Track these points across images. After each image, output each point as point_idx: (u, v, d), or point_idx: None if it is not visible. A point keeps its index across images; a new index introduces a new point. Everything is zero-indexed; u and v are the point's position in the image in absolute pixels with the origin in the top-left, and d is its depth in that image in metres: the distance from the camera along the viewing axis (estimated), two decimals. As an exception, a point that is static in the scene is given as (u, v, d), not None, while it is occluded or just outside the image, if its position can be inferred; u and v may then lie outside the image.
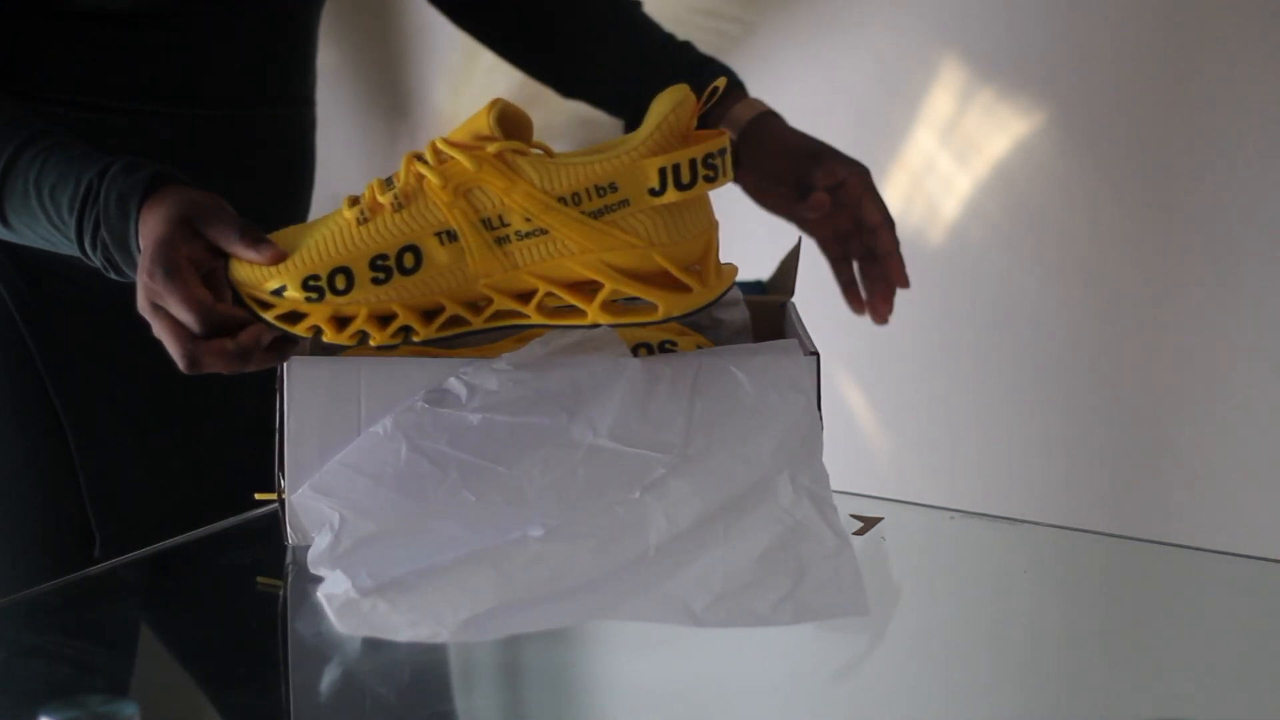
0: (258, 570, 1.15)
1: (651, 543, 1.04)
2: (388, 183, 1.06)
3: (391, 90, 1.94)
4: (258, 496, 1.15)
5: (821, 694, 1.01)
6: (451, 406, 1.08)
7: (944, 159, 1.69)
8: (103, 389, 1.30)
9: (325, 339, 1.06)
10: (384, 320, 1.06)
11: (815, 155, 1.30)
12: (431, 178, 1.05)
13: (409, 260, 1.05)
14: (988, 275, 1.69)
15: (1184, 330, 1.61)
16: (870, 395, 1.77)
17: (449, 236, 1.05)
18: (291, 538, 1.09)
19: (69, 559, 1.28)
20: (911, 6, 1.69)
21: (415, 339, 1.07)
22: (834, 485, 1.09)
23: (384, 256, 1.05)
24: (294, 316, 1.05)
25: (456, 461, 1.07)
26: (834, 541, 1.05)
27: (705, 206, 1.09)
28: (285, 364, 1.08)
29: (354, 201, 1.06)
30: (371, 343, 1.06)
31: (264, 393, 1.11)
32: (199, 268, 1.05)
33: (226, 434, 1.35)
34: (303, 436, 1.08)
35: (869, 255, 1.31)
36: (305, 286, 1.04)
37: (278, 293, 1.05)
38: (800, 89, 1.74)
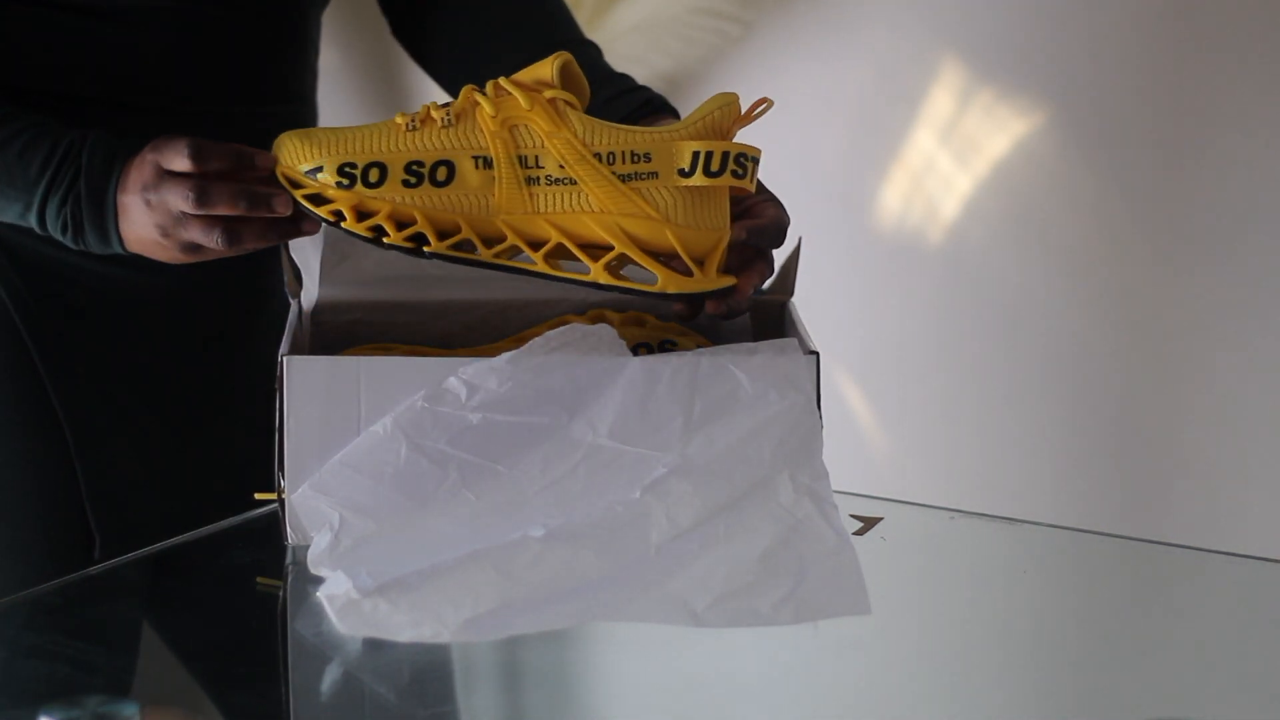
0: (258, 570, 1.15)
1: (652, 542, 1.04)
2: (443, 106, 1.11)
3: (391, 90, 1.94)
4: (258, 496, 1.15)
5: (821, 693, 1.01)
6: (451, 406, 1.08)
7: (944, 159, 1.69)
8: (103, 391, 1.30)
9: (344, 225, 1.09)
10: (401, 225, 1.10)
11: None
12: (485, 105, 1.10)
13: (441, 173, 1.10)
14: (988, 275, 1.69)
15: (1184, 330, 1.61)
16: (870, 395, 1.77)
17: (484, 163, 1.10)
18: (291, 538, 1.09)
19: (69, 561, 1.28)
20: (911, 6, 1.69)
21: (426, 249, 1.10)
22: (834, 485, 1.09)
23: (419, 163, 1.10)
24: (319, 199, 1.10)
25: (456, 461, 1.07)
26: (835, 540, 1.05)
27: (724, 208, 1.13)
28: (285, 364, 1.08)
29: (406, 114, 1.12)
30: (385, 240, 1.10)
31: (264, 394, 1.11)
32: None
33: (226, 436, 1.35)
34: (303, 436, 1.08)
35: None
36: (340, 171, 1.09)
37: (312, 173, 1.10)
38: (800, 89, 1.74)
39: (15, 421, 1.29)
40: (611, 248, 1.11)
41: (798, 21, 1.73)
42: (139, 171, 1.12)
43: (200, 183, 1.09)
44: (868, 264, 1.75)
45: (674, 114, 1.29)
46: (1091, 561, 1.23)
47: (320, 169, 1.09)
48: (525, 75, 1.12)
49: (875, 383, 1.77)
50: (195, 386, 1.34)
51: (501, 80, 1.11)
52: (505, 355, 1.10)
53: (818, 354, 1.12)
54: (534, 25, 1.37)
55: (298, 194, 1.10)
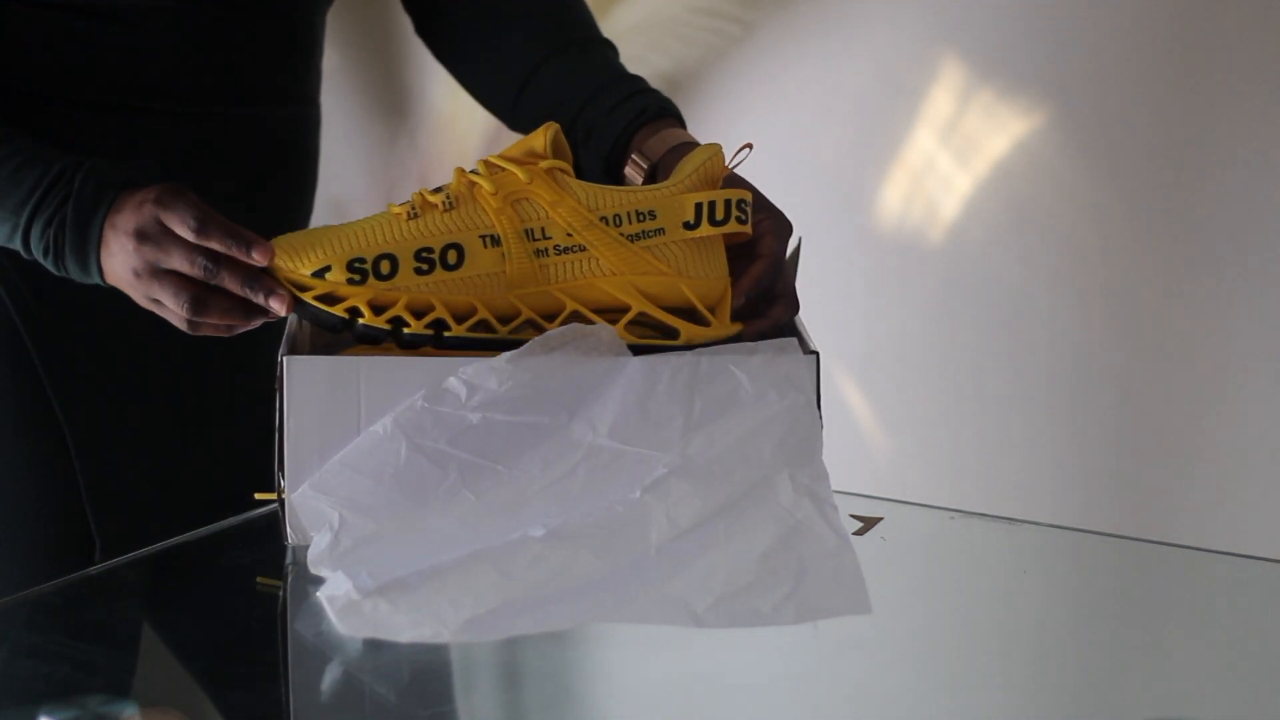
0: (258, 570, 1.14)
1: (652, 543, 1.04)
2: (436, 190, 1.11)
3: (391, 90, 1.94)
4: (258, 496, 1.15)
5: (821, 694, 1.01)
6: (451, 405, 1.08)
7: (944, 159, 1.69)
8: (103, 392, 1.30)
9: (363, 321, 1.09)
10: (418, 313, 1.10)
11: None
12: (484, 184, 1.10)
13: (452, 256, 1.10)
14: (988, 275, 1.69)
15: (1184, 330, 1.61)
16: (870, 395, 1.77)
17: (492, 241, 1.10)
18: (291, 537, 1.09)
19: (69, 562, 1.28)
20: (911, 6, 1.69)
21: (446, 334, 1.10)
22: (834, 485, 1.09)
23: (429, 249, 1.09)
24: (332, 299, 1.09)
25: (456, 461, 1.07)
26: (835, 540, 1.05)
27: (723, 256, 1.15)
28: (285, 364, 1.08)
29: (398, 205, 1.11)
30: (406, 330, 1.09)
31: (265, 395, 1.11)
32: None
33: (227, 437, 1.35)
34: (303, 436, 1.08)
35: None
36: (350, 268, 1.08)
37: (319, 274, 1.08)
38: (800, 89, 1.74)
39: (16, 423, 1.29)
40: (628, 308, 1.12)
41: (798, 21, 1.73)
42: (136, 214, 1.11)
43: (210, 258, 1.09)
44: (868, 264, 1.75)
45: (678, 118, 1.28)
46: (1091, 561, 1.23)
47: (327, 269, 1.08)
48: (517, 149, 1.12)
49: (875, 383, 1.77)
50: (196, 388, 1.34)
51: (493, 158, 1.12)
52: (505, 355, 1.10)
53: (818, 354, 1.12)
54: (554, 21, 1.37)
55: (307, 296, 1.08)
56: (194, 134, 1.29)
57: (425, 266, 1.09)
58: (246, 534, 1.17)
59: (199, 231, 1.09)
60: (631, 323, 1.12)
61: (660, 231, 1.12)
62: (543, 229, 1.11)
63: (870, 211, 1.73)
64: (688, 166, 1.14)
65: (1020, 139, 1.65)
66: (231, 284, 1.09)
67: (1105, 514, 1.68)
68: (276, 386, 1.09)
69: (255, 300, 1.09)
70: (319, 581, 1.02)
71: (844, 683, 1.02)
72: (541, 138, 1.12)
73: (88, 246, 1.13)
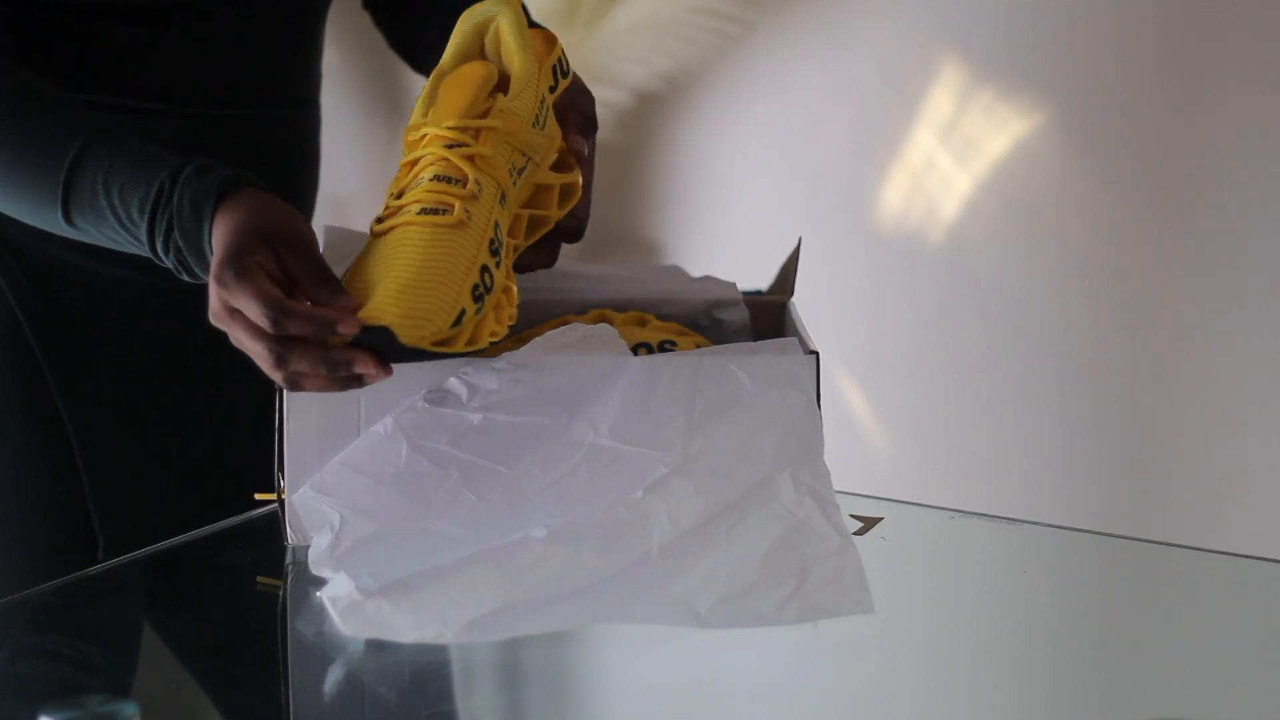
0: (258, 570, 1.14)
1: (654, 543, 1.04)
2: (450, 181, 1.08)
3: (391, 90, 1.94)
4: (258, 496, 1.15)
5: (821, 694, 1.01)
6: (452, 406, 1.08)
7: (944, 159, 1.69)
8: (106, 391, 1.30)
9: (511, 325, 1.09)
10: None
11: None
12: (483, 150, 1.10)
13: (501, 232, 1.11)
14: (988, 275, 1.69)
15: (1184, 330, 1.61)
16: (870, 395, 1.77)
17: (503, 196, 1.11)
18: (291, 538, 1.09)
19: (72, 561, 1.28)
20: (911, 6, 1.69)
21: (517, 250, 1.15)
22: (834, 485, 1.09)
23: (493, 239, 1.09)
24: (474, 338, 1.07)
25: (457, 461, 1.07)
26: (837, 540, 1.05)
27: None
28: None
29: (431, 220, 1.07)
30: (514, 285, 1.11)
31: (268, 394, 1.11)
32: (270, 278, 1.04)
33: (231, 437, 1.35)
34: (303, 436, 1.08)
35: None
36: (474, 298, 1.06)
37: (458, 322, 1.04)
38: (800, 89, 1.74)
39: (19, 421, 1.29)
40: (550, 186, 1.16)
41: (798, 21, 1.73)
42: (217, 284, 1.04)
43: (276, 350, 1.01)
44: (868, 264, 1.75)
45: None
46: (1091, 561, 1.23)
47: (462, 313, 1.05)
48: (448, 113, 1.11)
49: (875, 383, 1.77)
50: (199, 387, 1.34)
51: (454, 125, 1.10)
52: (505, 356, 1.10)
53: (818, 354, 1.12)
54: None
55: (457, 347, 1.05)
56: (196, 135, 1.29)
57: (499, 251, 1.09)
58: (246, 534, 1.17)
59: (275, 323, 1.01)
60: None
61: (544, 104, 1.15)
62: (522, 161, 1.12)
63: (870, 211, 1.73)
64: (511, 39, 1.14)
65: (1020, 139, 1.65)
66: (303, 359, 1.02)
67: (1105, 514, 1.68)
68: (277, 387, 1.09)
69: (340, 376, 1.02)
70: (319, 581, 1.02)
71: (844, 683, 1.02)
72: (472, 84, 1.12)
73: (207, 261, 1.08)
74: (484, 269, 1.07)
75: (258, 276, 1.02)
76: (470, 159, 1.09)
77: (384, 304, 1.02)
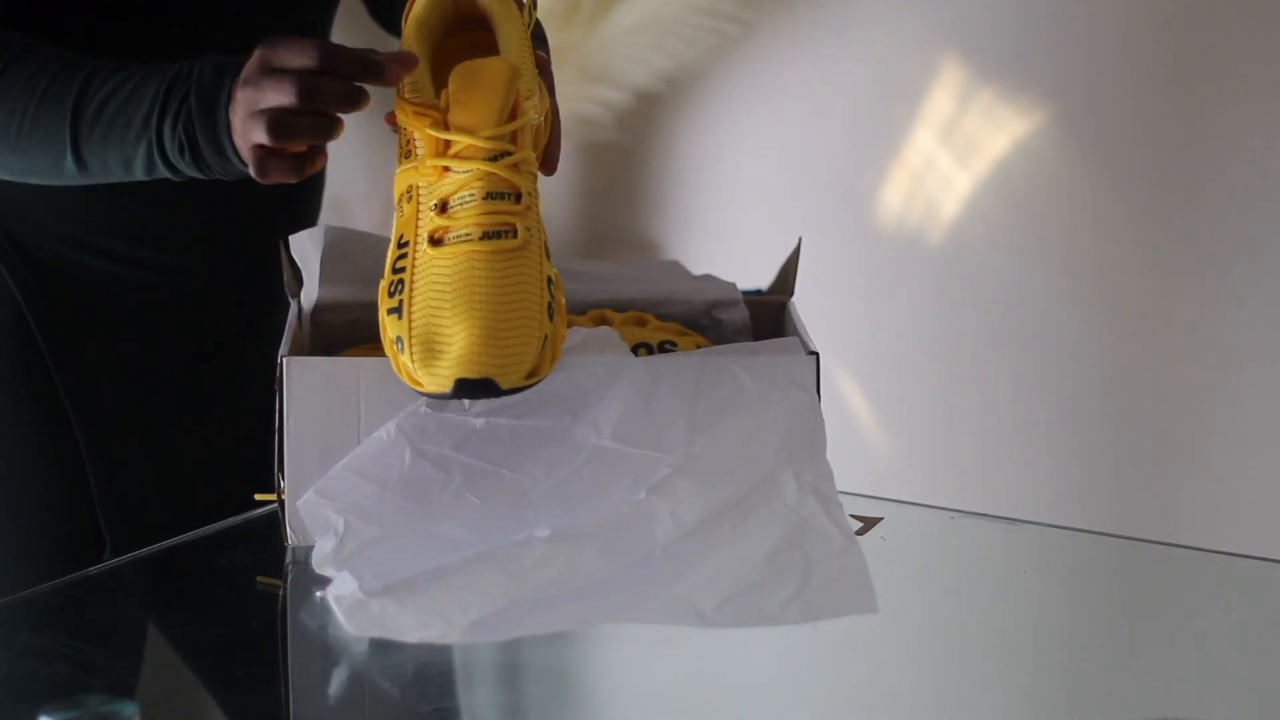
0: (258, 570, 1.14)
1: (658, 543, 1.03)
2: (500, 199, 1.06)
3: (391, 90, 1.94)
4: (258, 497, 1.15)
5: (822, 693, 1.01)
6: (454, 411, 1.08)
7: (944, 159, 1.69)
8: (114, 393, 1.30)
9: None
10: None
11: None
12: (523, 153, 1.06)
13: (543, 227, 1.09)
14: (988, 275, 1.69)
15: (1184, 329, 1.61)
16: (870, 395, 1.77)
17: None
18: (291, 538, 1.09)
19: (79, 562, 1.27)
20: (911, 6, 1.69)
21: None
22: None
23: (545, 242, 1.07)
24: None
25: (460, 465, 1.07)
26: (841, 539, 1.04)
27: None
28: (284, 364, 1.08)
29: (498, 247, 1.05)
30: None
31: (273, 394, 1.11)
32: None
33: (237, 438, 1.35)
34: (302, 437, 1.08)
35: None
36: (549, 317, 1.04)
37: (541, 349, 1.04)
38: (800, 89, 1.74)
39: (26, 422, 1.28)
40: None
41: (798, 21, 1.73)
42: (246, 69, 1.07)
43: (310, 84, 1.04)
44: (868, 264, 1.75)
45: None
46: (1091, 561, 1.23)
47: (545, 339, 1.03)
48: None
49: (875, 383, 1.77)
50: (206, 389, 1.34)
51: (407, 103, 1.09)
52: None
53: (818, 354, 1.12)
54: None
55: (544, 373, 1.04)
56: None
57: (548, 248, 1.08)
58: (246, 534, 1.17)
59: (323, 59, 1.04)
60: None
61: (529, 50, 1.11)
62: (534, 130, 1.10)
63: (870, 211, 1.73)
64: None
65: (1020, 139, 1.65)
66: (336, 85, 1.04)
67: (1105, 514, 1.68)
68: (276, 387, 1.09)
69: (372, 78, 1.05)
70: (319, 581, 1.02)
71: (844, 682, 1.02)
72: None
73: (217, 128, 1.09)
74: (548, 281, 1.05)
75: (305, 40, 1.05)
76: (515, 167, 1.06)
77: (478, 353, 1.00)
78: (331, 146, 1.48)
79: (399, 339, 1.03)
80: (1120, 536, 1.25)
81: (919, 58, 1.68)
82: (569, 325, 1.13)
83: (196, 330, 1.33)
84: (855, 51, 1.71)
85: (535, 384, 1.03)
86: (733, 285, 1.27)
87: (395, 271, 1.06)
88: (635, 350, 1.14)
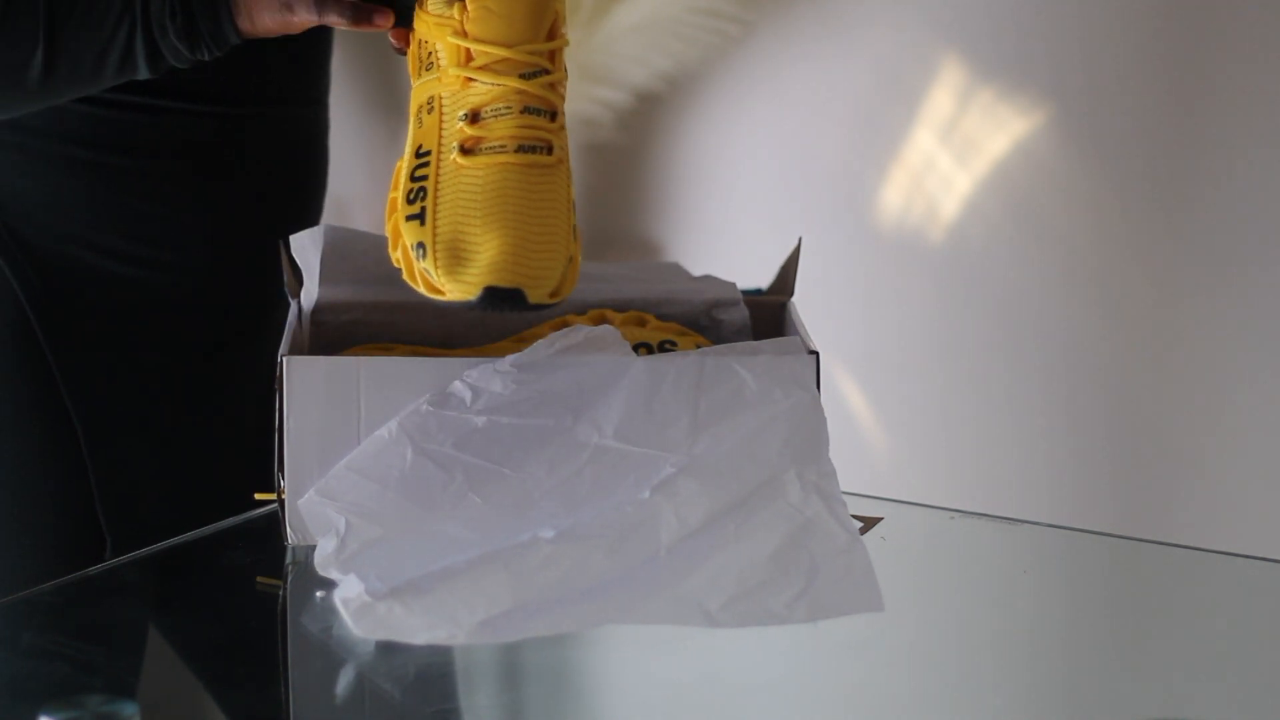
0: (258, 570, 1.14)
1: (663, 543, 1.03)
2: (537, 115, 1.04)
3: (391, 90, 1.94)
4: (258, 497, 1.15)
5: (821, 693, 1.01)
6: (456, 409, 1.08)
7: (944, 159, 1.69)
8: (115, 392, 1.30)
9: None
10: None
11: None
12: (559, 75, 1.05)
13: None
14: (988, 275, 1.69)
15: (1184, 330, 1.61)
16: (870, 395, 1.77)
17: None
18: (291, 538, 1.09)
19: (80, 562, 1.28)
20: (911, 6, 1.69)
21: None
22: (835, 484, 1.09)
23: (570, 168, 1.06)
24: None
25: (462, 465, 1.07)
26: (845, 538, 1.05)
27: None
28: (284, 364, 1.08)
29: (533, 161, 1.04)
30: None
31: (273, 393, 1.12)
32: None
33: (238, 438, 1.35)
34: (302, 436, 1.08)
35: None
36: (575, 238, 1.05)
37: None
38: (800, 89, 1.74)
39: (28, 421, 1.29)
40: None
41: (798, 21, 1.73)
42: None
43: None
44: (868, 264, 1.75)
45: None
46: (1091, 561, 1.23)
47: (570, 260, 1.04)
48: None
49: (875, 383, 1.77)
50: (207, 388, 1.34)
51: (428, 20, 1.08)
52: (509, 358, 1.10)
53: (818, 354, 1.12)
54: None
55: (563, 295, 1.04)
56: (216, 132, 1.29)
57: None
58: (246, 534, 1.17)
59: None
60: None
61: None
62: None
63: (870, 211, 1.73)
64: None
65: (1020, 139, 1.65)
66: None
67: (1105, 514, 1.68)
68: (276, 387, 1.09)
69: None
70: (320, 581, 1.02)
71: (844, 683, 1.02)
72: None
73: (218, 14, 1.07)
74: (572, 205, 1.04)
75: None
76: (552, 86, 1.04)
77: (510, 262, 0.99)
78: (332, 147, 1.49)
79: (420, 244, 1.01)
80: (1119, 536, 1.25)
81: (919, 58, 1.68)
82: (569, 324, 1.13)
83: (197, 329, 1.33)
84: (855, 51, 1.71)
85: (557, 304, 1.01)
86: (733, 285, 1.27)
87: (415, 180, 1.04)
88: (635, 350, 1.14)
